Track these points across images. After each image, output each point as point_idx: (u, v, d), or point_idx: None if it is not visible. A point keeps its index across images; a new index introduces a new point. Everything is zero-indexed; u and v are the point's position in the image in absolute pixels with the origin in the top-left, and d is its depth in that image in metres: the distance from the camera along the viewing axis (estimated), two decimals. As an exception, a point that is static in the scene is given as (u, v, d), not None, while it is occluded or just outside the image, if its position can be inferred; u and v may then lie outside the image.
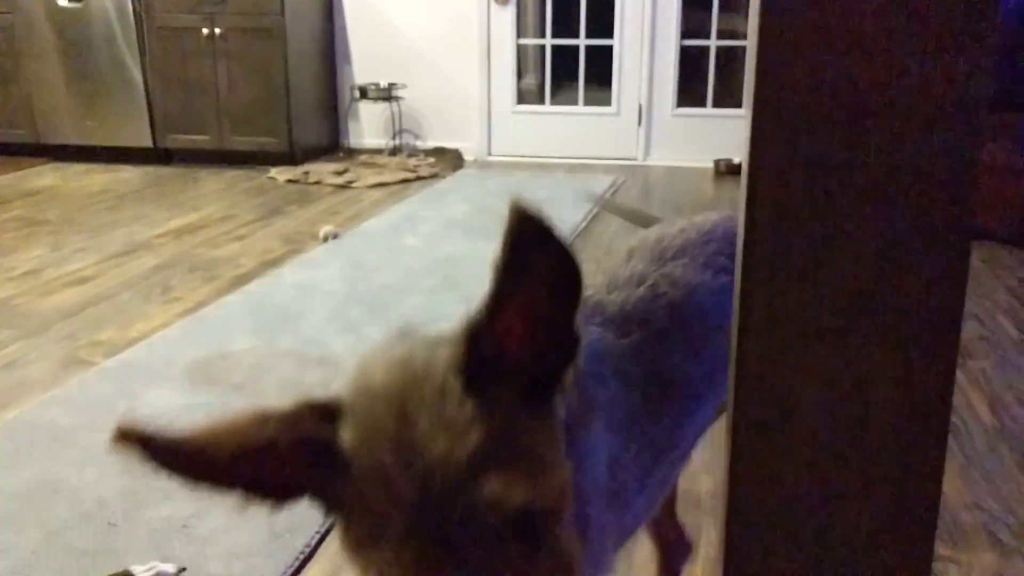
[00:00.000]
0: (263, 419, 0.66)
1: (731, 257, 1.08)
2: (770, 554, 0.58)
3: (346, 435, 0.67)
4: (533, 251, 0.60)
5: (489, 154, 6.37)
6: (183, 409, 2.44)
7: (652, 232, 1.14)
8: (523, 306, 0.64)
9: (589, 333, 0.95)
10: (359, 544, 0.66)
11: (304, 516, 1.75)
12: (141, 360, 2.76)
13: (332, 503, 0.67)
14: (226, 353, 2.80)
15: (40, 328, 3.03)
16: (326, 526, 1.81)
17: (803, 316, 0.53)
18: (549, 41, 6.23)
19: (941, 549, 1.73)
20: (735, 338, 0.56)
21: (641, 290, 1.03)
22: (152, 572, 1.62)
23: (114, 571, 1.72)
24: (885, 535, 0.56)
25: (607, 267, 1.07)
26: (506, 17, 6.15)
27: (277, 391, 2.54)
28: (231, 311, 3.22)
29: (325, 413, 0.68)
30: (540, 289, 0.63)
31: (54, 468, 2.13)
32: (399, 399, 0.67)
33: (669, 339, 1.01)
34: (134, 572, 1.67)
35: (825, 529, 0.57)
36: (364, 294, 3.34)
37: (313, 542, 1.83)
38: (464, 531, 0.62)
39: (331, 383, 0.69)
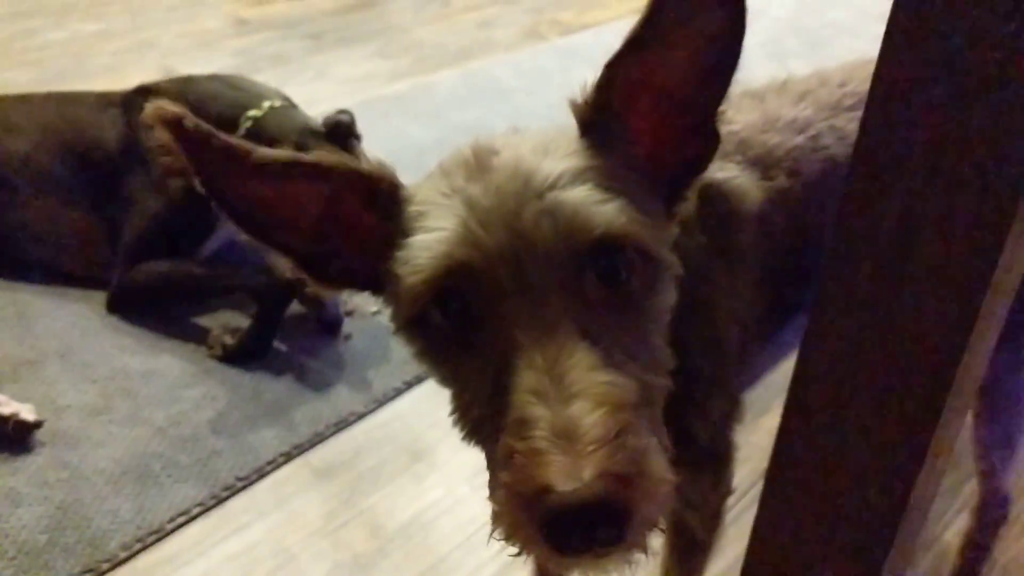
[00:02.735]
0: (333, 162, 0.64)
1: None
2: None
3: (422, 187, 0.64)
4: None
5: None
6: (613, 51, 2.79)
7: (840, 72, 0.97)
8: (668, 58, 0.60)
9: (726, 170, 0.83)
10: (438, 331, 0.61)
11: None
12: (585, 44, 3.12)
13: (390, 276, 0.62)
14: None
15: (518, -3, 3.51)
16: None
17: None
18: None
19: None
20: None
21: (800, 139, 0.89)
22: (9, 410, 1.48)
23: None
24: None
25: (771, 105, 0.91)
26: None
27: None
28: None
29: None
30: (691, 40, 0.59)
31: (489, 116, 2.63)
32: (497, 147, 0.64)
33: (818, 195, 0.88)
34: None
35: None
36: (807, 27, 3.29)
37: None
38: (552, 264, 0.57)
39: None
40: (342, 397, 1.61)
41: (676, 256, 0.66)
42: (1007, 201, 0.45)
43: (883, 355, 0.55)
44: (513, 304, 0.57)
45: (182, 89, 1.83)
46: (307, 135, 1.71)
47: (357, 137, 1.81)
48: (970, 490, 1.36)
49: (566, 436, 0.51)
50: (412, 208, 0.63)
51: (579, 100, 0.64)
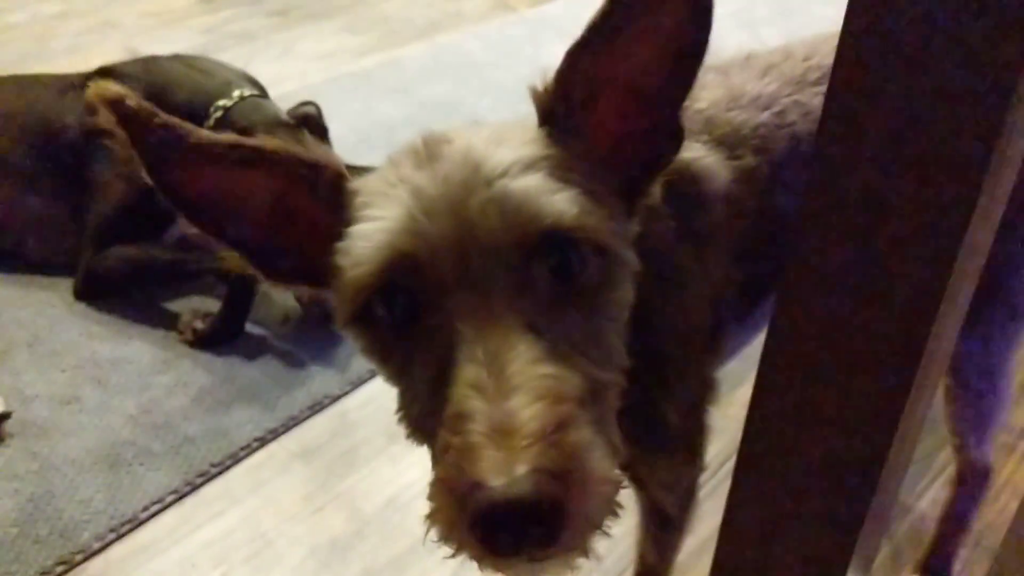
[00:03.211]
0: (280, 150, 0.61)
1: None
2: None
3: (370, 177, 0.62)
4: None
5: None
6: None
7: (804, 46, 0.96)
8: (631, 50, 0.58)
9: (692, 150, 0.80)
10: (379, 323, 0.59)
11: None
12: (555, 16, 3.09)
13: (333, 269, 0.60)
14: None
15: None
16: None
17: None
18: None
19: None
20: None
21: (765, 115, 0.87)
22: None
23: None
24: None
25: (736, 80, 0.90)
26: None
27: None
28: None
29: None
30: (656, 32, 0.57)
31: (459, 91, 2.60)
32: (445, 138, 0.61)
33: (785, 172, 0.86)
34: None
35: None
36: (779, -6, 3.28)
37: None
38: (498, 258, 0.55)
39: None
40: (316, 380, 1.60)
41: (644, 239, 0.64)
42: (974, 175, 0.44)
43: (853, 328, 0.54)
44: (457, 296, 0.55)
45: (145, 71, 1.80)
46: (278, 127, 1.69)
47: (324, 128, 1.79)
48: (945, 458, 1.37)
49: (501, 431, 0.49)
50: (358, 199, 0.60)
51: (539, 88, 0.62)
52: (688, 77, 0.60)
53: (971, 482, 1.20)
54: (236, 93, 1.74)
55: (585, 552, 0.54)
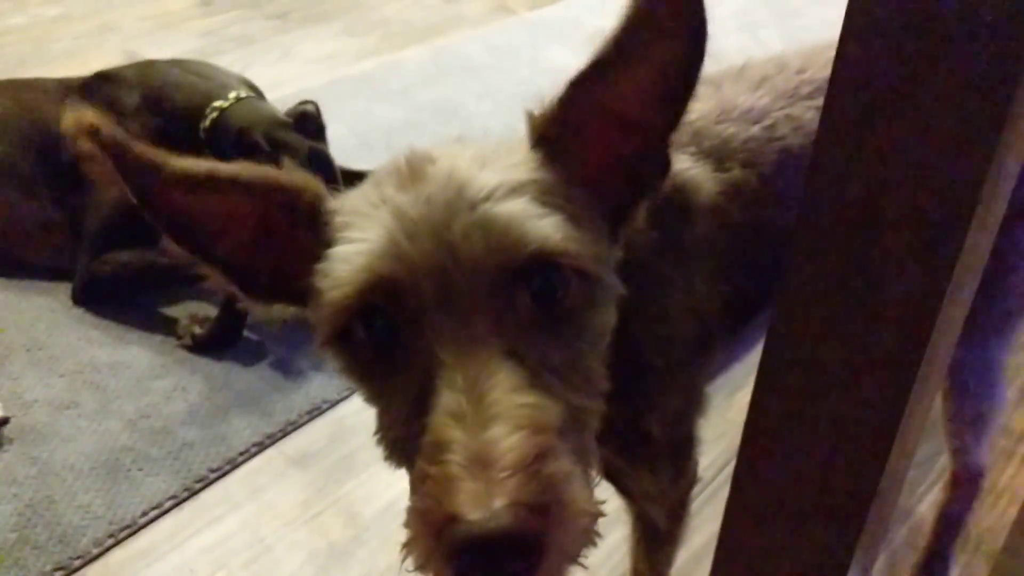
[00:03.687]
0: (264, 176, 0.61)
1: None
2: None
3: (350, 197, 0.62)
4: (671, 4, 0.55)
5: None
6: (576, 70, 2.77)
7: (799, 58, 0.95)
8: (628, 81, 0.59)
9: (679, 161, 0.79)
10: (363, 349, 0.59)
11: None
12: (555, 19, 3.08)
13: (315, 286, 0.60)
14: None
15: (487, -29, 3.46)
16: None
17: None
18: None
19: None
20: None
21: (756, 129, 0.86)
22: None
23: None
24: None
25: (728, 93, 0.89)
26: None
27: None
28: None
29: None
30: (653, 65, 0.58)
31: (458, 94, 2.60)
32: (432, 156, 0.61)
33: (775, 186, 0.85)
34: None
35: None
36: (778, -4, 3.28)
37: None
38: (481, 280, 0.55)
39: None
40: (314, 385, 1.60)
41: (626, 249, 0.64)
42: (971, 187, 0.44)
43: (851, 335, 0.54)
44: (437, 320, 0.54)
45: (142, 75, 1.79)
46: (275, 127, 1.68)
47: (322, 127, 1.79)
48: (944, 463, 1.37)
49: (480, 462, 0.48)
50: (339, 219, 0.60)
51: (535, 112, 0.62)
52: (679, 110, 0.61)
53: (965, 484, 1.21)
54: (232, 95, 1.73)
55: None
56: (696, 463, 0.90)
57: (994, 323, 1.02)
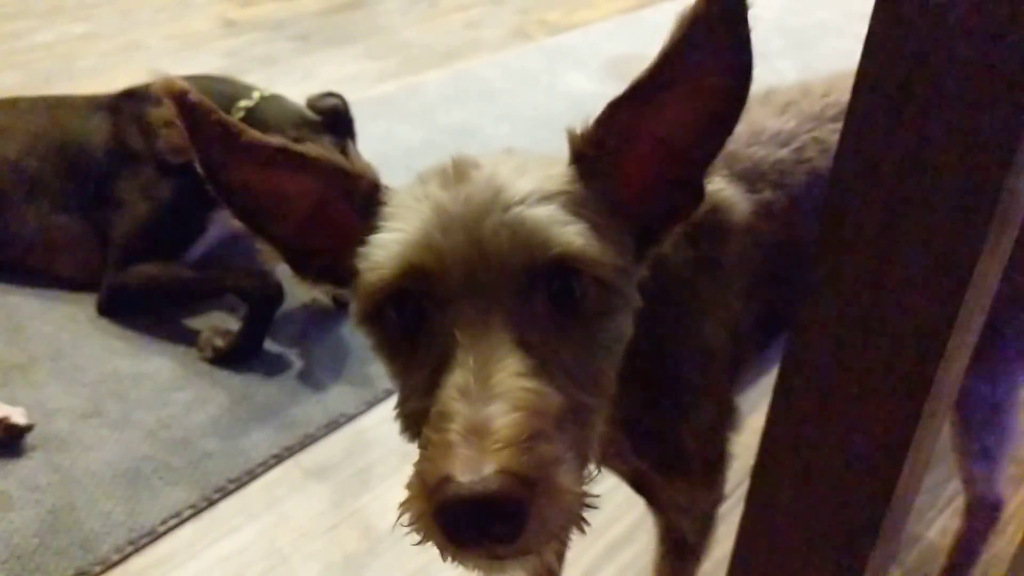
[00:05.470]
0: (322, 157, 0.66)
1: None
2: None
3: (400, 190, 0.66)
4: (717, 35, 0.58)
5: None
6: (591, 96, 2.80)
7: (822, 83, 0.98)
8: (670, 109, 0.61)
9: (713, 183, 0.79)
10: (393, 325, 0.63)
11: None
12: (572, 45, 3.13)
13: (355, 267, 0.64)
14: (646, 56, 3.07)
15: (506, -2, 3.52)
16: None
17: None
18: None
19: None
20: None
21: (784, 151, 0.90)
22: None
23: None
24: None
25: (756, 116, 0.92)
26: None
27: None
28: (671, 17, 3.41)
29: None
30: (699, 96, 0.60)
31: (477, 117, 2.64)
32: (478, 161, 0.65)
33: (803, 206, 0.88)
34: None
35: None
36: (793, 27, 3.32)
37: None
38: (507, 276, 0.58)
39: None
40: (332, 398, 1.62)
41: (662, 267, 0.67)
42: (983, 213, 0.46)
43: (864, 359, 0.56)
44: (459, 306, 0.58)
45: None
46: (302, 124, 1.71)
47: (351, 122, 1.81)
48: (952, 490, 1.38)
49: (477, 432, 0.52)
50: (386, 209, 0.65)
51: (577, 131, 0.65)
52: (719, 140, 0.63)
53: (980, 515, 1.21)
54: (256, 94, 1.77)
55: (541, 556, 0.57)
56: (726, 480, 0.92)
57: (1004, 357, 1.03)
